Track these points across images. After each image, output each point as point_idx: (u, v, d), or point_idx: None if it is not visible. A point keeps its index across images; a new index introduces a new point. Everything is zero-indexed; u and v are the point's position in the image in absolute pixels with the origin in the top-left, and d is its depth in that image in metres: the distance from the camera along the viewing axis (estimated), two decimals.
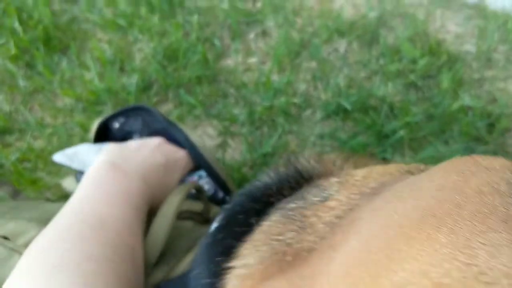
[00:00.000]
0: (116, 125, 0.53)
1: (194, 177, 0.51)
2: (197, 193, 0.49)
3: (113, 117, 0.53)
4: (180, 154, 0.51)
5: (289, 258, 0.26)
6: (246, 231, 0.29)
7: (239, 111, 0.98)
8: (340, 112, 0.94)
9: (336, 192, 0.28)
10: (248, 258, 0.27)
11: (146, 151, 0.48)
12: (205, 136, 0.97)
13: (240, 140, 0.95)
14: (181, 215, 0.47)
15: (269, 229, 0.28)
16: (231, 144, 0.96)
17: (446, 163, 0.24)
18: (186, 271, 0.39)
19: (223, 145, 0.95)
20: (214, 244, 0.30)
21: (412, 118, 0.89)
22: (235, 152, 0.95)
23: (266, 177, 0.33)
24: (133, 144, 0.49)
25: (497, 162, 0.23)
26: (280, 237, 0.27)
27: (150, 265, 0.39)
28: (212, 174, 0.51)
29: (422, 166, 0.29)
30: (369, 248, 0.20)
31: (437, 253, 0.18)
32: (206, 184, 0.51)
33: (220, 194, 0.52)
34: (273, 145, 0.93)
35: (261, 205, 0.31)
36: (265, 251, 0.27)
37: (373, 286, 0.19)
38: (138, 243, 0.38)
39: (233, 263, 0.27)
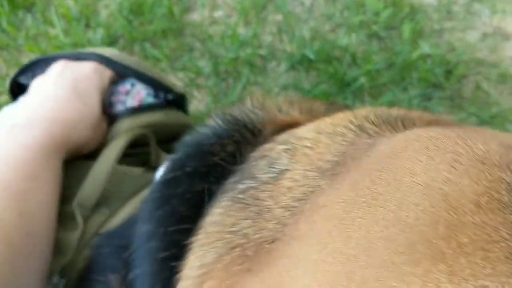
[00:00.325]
0: (26, 80, 0.50)
1: (126, 86, 0.48)
2: (145, 141, 0.46)
3: (20, 74, 0.50)
4: (88, 67, 0.46)
5: (250, 253, 0.23)
6: (193, 199, 0.27)
7: (204, 64, 0.98)
8: (304, 63, 0.95)
9: (288, 165, 0.25)
10: (203, 256, 0.24)
11: (48, 84, 0.44)
12: None
13: (206, 92, 0.96)
14: (131, 154, 0.45)
15: (221, 219, 0.25)
16: (196, 96, 0.97)
17: (427, 137, 0.20)
18: (128, 220, 0.37)
19: (188, 97, 0.96)
20: (161, 200, 0.28)
21: (373, 66, 0.91)
22: (201, 104, 0.96)
23: (213, 124, 0.30)
24: (34, 84, 0.45)
25: (492, 147, 0.19)
26: (235, 228, 0.24)
27: (87, 209, 0.39)
28: (142, 78, 0.48)
29: (371, 116, 0.26)
30: (352, 276, 0.17)
31: None
32: (142, 89, 0.48)
33: (162, 95, 0.50)
34: (237, 96, 0.94)
35: (206, 165, 0.28)
36: (221, 247, 0.24)
37: None
38: (38, 185, 0.37)
39: (186, 263, 0.25)
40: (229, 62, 0.97)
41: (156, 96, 0.49)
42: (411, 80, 0.91)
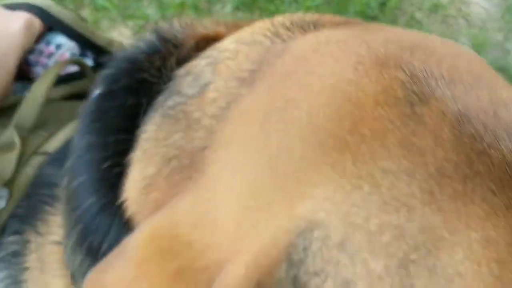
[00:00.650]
0: None
1: (50, 47, 0.45)
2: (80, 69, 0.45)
3: None
4: (18, 22, 0.41)
5: (186, 162, 0.25)
6: (128, 112, 0.29)
7: (152, 11, 1.01)
8: (248, 3, 0.99)
9: (211, 78, 0.26)
10: (144, 170, 0.26)
11: None
12: (121, 37, 1.01)
13: None
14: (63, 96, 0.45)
15: (155, 135, 0.27)
16: None
17: (334, 40, 0.23)
18: (68, 141, 0.37)
19: None
20: (98, 113, 0.29)
21: (312, 2, 0.96)
22: None
23: (144, 40, 0.31)
24: None
25: (391, 50, 0.21)
26: (169, 141, 0.26)
27: (24, 130, 0.40)
28: (71, 33, 0.45)
29: (287, 22, 0.27)
30: (275, 173, 0.20)
31: (345, 182, 0.18)
32: (66, 52, 0.46)
33: (89, 54, 0.48)
34: None
35: (137, 81, 0.30)
36: (159, 160, 0.26)
37: (287, 210, 0.19)
38: None
39: (128, 177, 0.27)
40: (176, 7, 1.00)
41: (82, 54, 0.47)
42: (349, 14, 0.95)
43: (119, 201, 0.27)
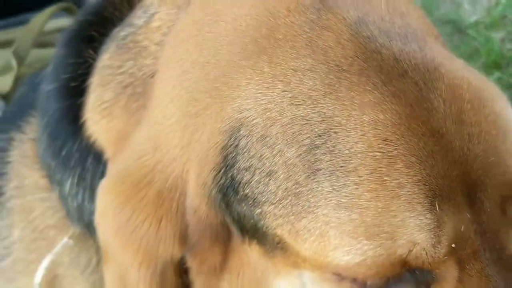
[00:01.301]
0: None
1: None
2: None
3: None
4: None
5: (140, 89, 0.28)
6: (94, 38, 0.33)
7: None
8: None
9: (156, 9, 0.30)
10: (103, 94, 0.29)
11: None
12: None
13: None
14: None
15: (110, 63, 0.30)
16: None
17: None
18: None
19: None
20: (75, 32, 0.34)
21: None
22: None
23: None
24: None
25: None
26: (122, 69, 0.29)
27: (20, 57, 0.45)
28: None
29: None
30: (208, 76, 0.23)
31: (263, 82, 0.22)
32: None
33: None
34: None
35: (98, 18, 0.34)
36: (115, 87, 0.29)
37: (219, 112, 0.22)
38: None
39: (88, 99, 0.30)
40: None
41: None
42: None
43: (81, 120, 0.31)
